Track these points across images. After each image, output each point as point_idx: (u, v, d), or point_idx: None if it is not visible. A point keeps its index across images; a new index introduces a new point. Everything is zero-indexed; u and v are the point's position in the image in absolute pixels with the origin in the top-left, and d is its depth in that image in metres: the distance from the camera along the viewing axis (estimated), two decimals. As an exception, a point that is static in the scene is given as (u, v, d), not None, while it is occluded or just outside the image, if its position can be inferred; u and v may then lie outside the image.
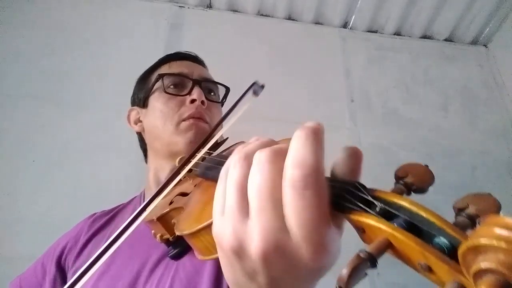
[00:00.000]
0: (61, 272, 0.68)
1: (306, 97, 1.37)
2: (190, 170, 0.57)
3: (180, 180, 0.45)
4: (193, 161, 0.43)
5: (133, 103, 0.83)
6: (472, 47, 1.66)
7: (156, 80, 0.73)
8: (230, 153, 0.59)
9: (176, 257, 0.54)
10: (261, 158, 0.26)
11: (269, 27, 1.51)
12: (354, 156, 0.28)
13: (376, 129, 1.39)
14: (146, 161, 0.82)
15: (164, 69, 0.77)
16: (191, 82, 0.72)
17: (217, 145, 0.71)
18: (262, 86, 0.45)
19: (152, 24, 1.40)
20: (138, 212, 0.38)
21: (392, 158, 1.35)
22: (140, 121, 0.79)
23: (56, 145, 1.13)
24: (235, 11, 1.51)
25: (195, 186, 0.53)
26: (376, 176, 1.52)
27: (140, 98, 0.78)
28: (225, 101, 0.83)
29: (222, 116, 0.47)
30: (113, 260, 0.61)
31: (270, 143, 0.30)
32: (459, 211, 0.26)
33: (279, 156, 0.26)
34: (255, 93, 0.44)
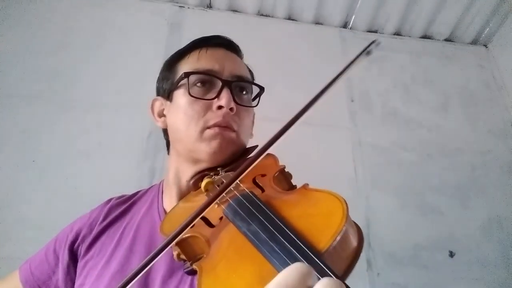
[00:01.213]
0: (74, 260, 0.66)
1: (306, 97, 1.36)
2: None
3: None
4: (228, 189, 0.41)
5: (158, 92, 0.75)
6: (472, 47, 1.66)
7: (181, 78, 0.66)
8: (258, 173, 0.57)
9: (192, 273, 0.50)
10: None
11: (269, 27, 1.51)
12: None
13: (376, 129, 1.39)
14: (168, 153, 0.76)
15: (192, 60, 0.68)
16: (221, 82, 0.64)
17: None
18: (378, 44, 0.42)
19: (152, 24, 1.40)
20: (164, 245, 0.38)
21: (392, 158, 1.35)
22: (164, 115, 0.71)
23: (56, 145, 1.13)
24: (235, 11, 1.51)
25: (220, 219, 0.49)
26: (376, 176, 1.53)
27: (165, 89, 0.71)
28: (258, 103, 0.74)
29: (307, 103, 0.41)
30: (127, 261, 0.60)
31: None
32: None
33: None
34: (369, 53, 0.42)
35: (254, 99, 0.74)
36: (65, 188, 1.08)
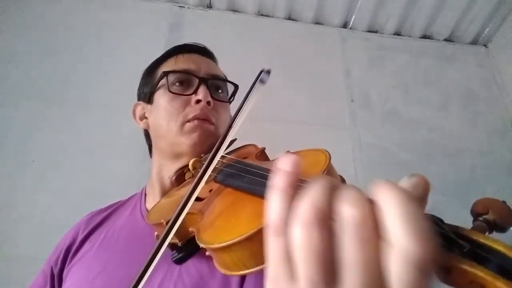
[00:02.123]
0: (60, 273, 0.67)
1: (306, 97, 1.37)
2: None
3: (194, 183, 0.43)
4: (213, 165, 0.42)
5: (139, 98, 0.80)
6: (472, 47, 1.66)
7: (161, 78, 0.70)
8: (241, 156, 0.59)
9: (180, 261, 0.51)
10: (354, 224, 0.21)
11: (269, 27, 1.51)
12: (422, 187, 0.25)
13: (376, 129, 1.39)
14: (150, 156, 0.80)
15: (170, 64, 0.74)
16: (197, 80, 0.69)
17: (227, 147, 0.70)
18: (268, 72, 0.44)
19: (152, 24, 1.40)
20: (168, 230, 0.39)
21: (392, 158, 1.35)
22: (146, 118, 0.76)
23: (56, 145, 1.13)
24: (235, 11, 1.51)
25: (210, 191, 0.51)
26: (376, 176, 1.51)
27: (146, 93, 0.75)
28: (233, 99, 0.80)
29: (235, 113, 0.44)
30: (110, 260, 0.60)
31: (334, 188, 0.24)
32: (477, 215, 0.25)
33: (373, 220, 0.22)
34: (262, 81, 0.43)
35: (230, 98, 0.79)
36: (65, 188, 1.08)
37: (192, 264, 0.52)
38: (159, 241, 0.38)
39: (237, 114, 0.42)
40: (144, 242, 0.57)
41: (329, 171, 0.38)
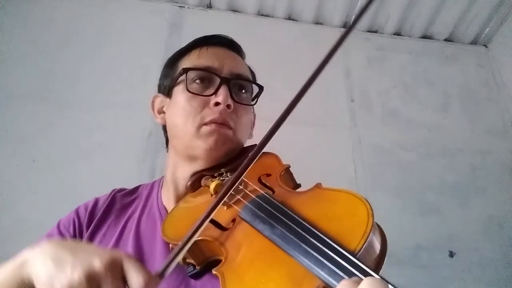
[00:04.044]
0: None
1: (306, 97, 1.36)
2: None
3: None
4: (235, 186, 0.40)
5: (159, 89, 0.75)
6: (472, 47, 1.66)
7: (181, 74, 0.66)
8: (263, 172, 0.56)
9: (196, 276, 0.49)
10: None
11: (269, 27, 1.51)
12: None
13: (376, 129, 1.39)
14: (167, 150, 0.76)
15: (193, 57, 0.68)
16: (219, 80, 0.64)
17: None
18: None
19: (152, 24, 1.39)
20: (174, 256, 0.38)
21: (392, 158, 1.35)
22: (164, 112, 0.72)
23: (56, 145, 1.13)
24: (235, 11, 1.51)
25: (233, 221, 0.48)
26: (376, 176, 1.52)
27: (165, 86, 0.71)
28: (256, 101, 0.74)
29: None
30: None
31: None
32: None
33: None
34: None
35: (253, 99, 0.74)
36: (65, 188, 1.08)
37: (208, 281, 0.49)
38: (164, 264, 0.37)
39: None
40: (156, 249, 0.57)
41: (373, 230, 0.36)
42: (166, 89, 0.71)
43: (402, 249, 1.18)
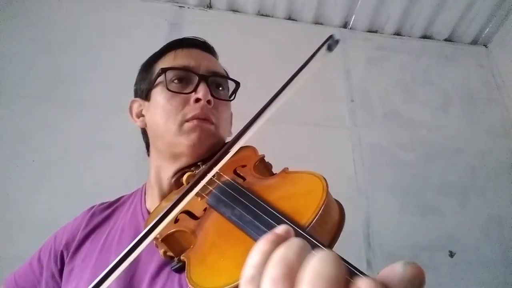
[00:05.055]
0: (58, 268, 0.66)
1: (306, 97, 1.37)
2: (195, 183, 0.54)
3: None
4: (207, 178, 0.41)
5: (136, 94, 0.76)
6: (472, 47, 1.66)
7: (159, 74, 0.67)
8: (239, 163, 0.58)
9: (179, 270, 0.50)
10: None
11: (269, 27, 1.51)
12: (418, 280, 0.25)
13: (376, 129, 1.39)
14: (148, 155, 0.77)
15: (168, 59, 0.70)
16: (197, 77, 0.65)
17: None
18: (337, 41, 0.40)
19: (152, 24, 1.40)
20: (143, 236, 0.38)
21: (392, 158, 1.35)
22: (143, 115, 0.72)
23: (56, 145, 1.13)
24: (235, 11, 1.51)
25: (204, 210, 0.50)
26: (376, 176, 1.52)
27: (143, 90, 0.72)
28: (234, 97, 0.75)
29: (277, 91, 0.41)
30: (107, 261, 0.59)
31: (303, 251, 0.27)
32: None
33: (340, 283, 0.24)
34: (330, 49, 0.39)
35: (231, 96, 0.75)
36: (65, 188, 1.08)
37: None
38: (130, 245, 0.38)
39: (283, 89, 0.40)
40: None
41: (326, 204, 0.38)
42: (144, 93, 0.72)
43: (402, 249, 1.19)
